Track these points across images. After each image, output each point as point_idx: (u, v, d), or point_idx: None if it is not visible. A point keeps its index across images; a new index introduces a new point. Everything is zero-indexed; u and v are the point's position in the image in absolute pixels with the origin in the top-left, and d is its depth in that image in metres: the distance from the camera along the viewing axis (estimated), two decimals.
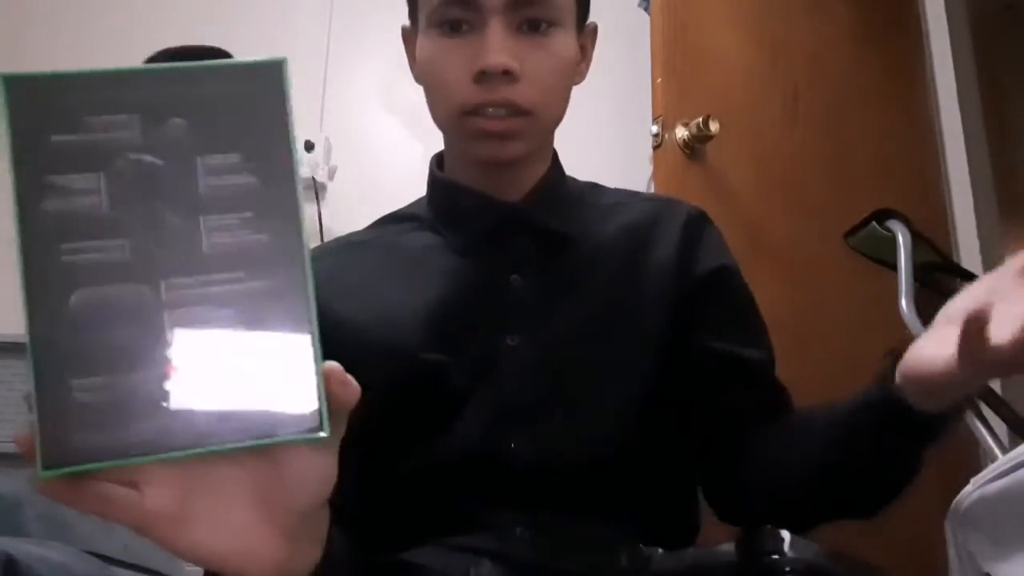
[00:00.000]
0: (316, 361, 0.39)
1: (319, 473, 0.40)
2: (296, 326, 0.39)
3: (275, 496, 0.39)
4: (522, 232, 0.81)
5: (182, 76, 0.39)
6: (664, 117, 1.52)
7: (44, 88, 0.38)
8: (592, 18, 0.85)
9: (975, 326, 0.49)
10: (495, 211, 0.81)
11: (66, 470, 0.36)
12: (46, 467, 0.36)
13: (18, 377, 1.56)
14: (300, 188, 0.39)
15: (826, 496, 0.69)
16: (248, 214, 0.39)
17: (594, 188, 0.91)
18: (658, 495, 0.78)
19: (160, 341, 0.38)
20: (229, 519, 0.39)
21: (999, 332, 0.48)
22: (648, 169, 1.61)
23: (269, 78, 0.40)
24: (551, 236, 0.81)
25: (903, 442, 0.62)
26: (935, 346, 0.54)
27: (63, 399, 0.37)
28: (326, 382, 0.39)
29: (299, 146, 0.40)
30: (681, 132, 1.52)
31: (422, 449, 0.73)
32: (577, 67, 0.82)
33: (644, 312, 0.79)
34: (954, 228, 1.89)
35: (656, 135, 1.53)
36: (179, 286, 0.38)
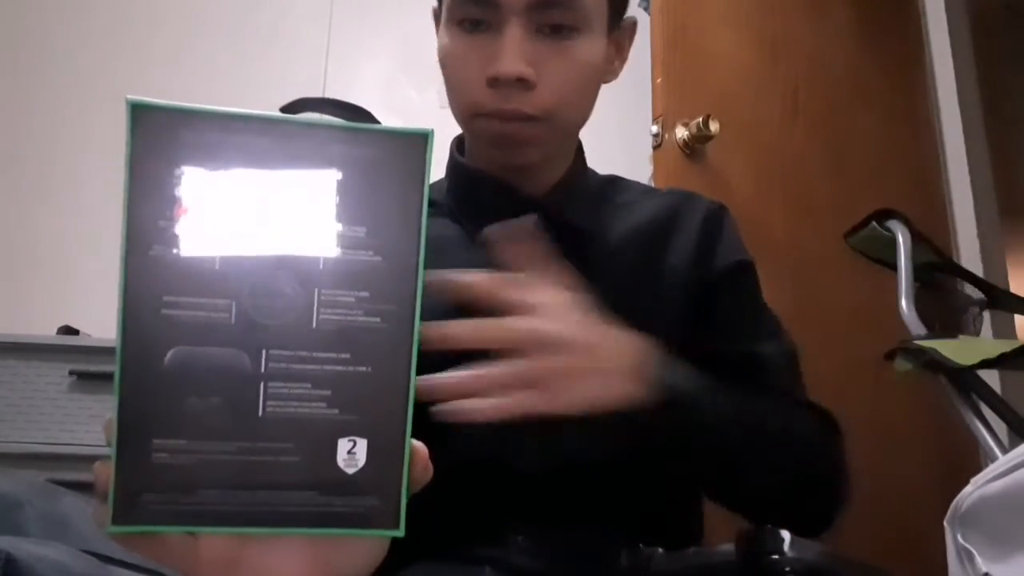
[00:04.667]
0: (406, 457, 0.38)
1: (374, 549, 0.40)
2: (392, 420, 0.37)
3: (326, 559, 0.39)
4: (543, 227, 0.80)
5: (318, 133, 0.36)
6: (664, 117, 1.52)
7: (171, 122, 0.35)
8: None
9: None
10: (518, 204, 0.78)
11: (135, 529, 0.36)
12: (115, 522, 0.35)
13: (18, 377, 1.56)
14: (422, 274, 0.37)
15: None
16: (364, 294, 0.36)
17: (613, 183, 0.89)
18: (662, 496, 0.78)
19: (251, 413, 0.36)
20: (277, 569, 0.39)
21: None
22: (648, 169, 1.61)
23: (411, 150, 0.37)
24: (571, 231, 0.80)
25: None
26: None
27: (143, 457, 0.35)
28: (411, 465, 0.38)
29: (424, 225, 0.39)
30: (681, 132, 1.52)
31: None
32: (608, 66, 0.80)
33: (660, 311, 0.78)
34: (954, 228, 1.89)
35: (656, 135, 1.53)
36: (281, 359, 0.36)
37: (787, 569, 0.58)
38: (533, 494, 0.71)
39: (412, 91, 2.19)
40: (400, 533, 0.38)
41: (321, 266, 0.36)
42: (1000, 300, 1.30)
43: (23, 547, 0.51)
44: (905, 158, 1.86)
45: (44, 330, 1.69)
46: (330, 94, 2.13)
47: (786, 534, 0.59)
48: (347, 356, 0.37)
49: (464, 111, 0.76)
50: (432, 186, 0.87)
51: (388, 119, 2.44)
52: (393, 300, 0.37)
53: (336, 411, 0.37)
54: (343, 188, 0.36)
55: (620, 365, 0.59)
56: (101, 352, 1.56)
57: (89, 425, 1.52)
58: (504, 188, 0.79)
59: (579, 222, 0.81)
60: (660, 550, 0.70)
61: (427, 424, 0.72)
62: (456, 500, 0.72)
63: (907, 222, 1.23)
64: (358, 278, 0.36)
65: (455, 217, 0.82)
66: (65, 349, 1.58)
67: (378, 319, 0.37)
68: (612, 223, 0.82)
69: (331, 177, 0.36)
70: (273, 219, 0.36)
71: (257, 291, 0.36)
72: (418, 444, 0.39)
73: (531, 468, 0.71)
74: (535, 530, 0.70)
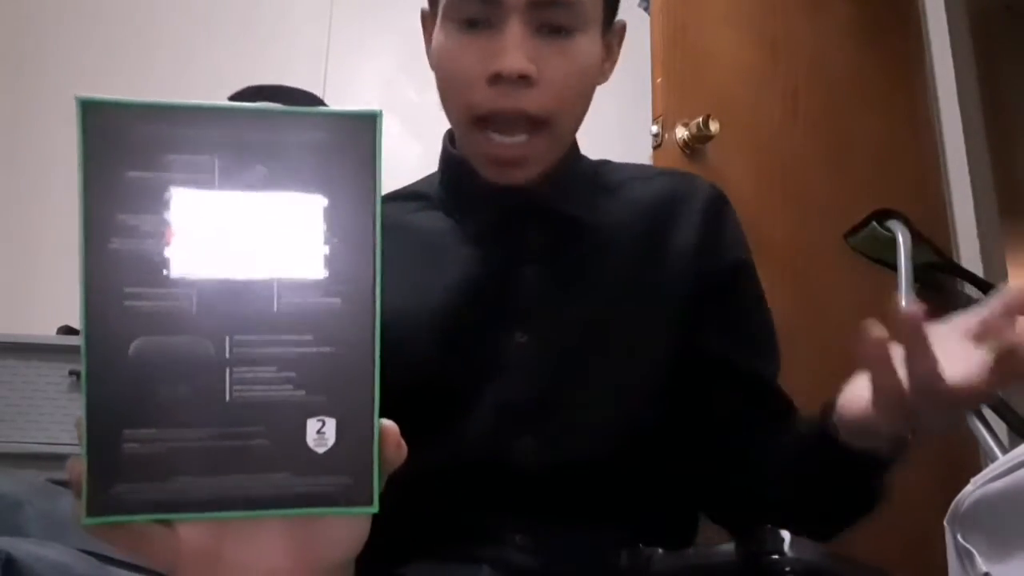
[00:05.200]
0: (376, 433, 0.38)
1: (354, 532, 0.40)
2: (359, 397, 0.38)
3: (307, 550, 0.39)
4: (537, 218, 0.79)
5: (268, 119, 0.37)
6: (664, 117, 1.52)
7: (122, 116, 0.35)
8: None
9: (877, 369, 0.52)
10: (511, 196, 0.78)
11: (109, 519, 0.36)
12: (89, 514, 0.36)
13: (18, 377, 1.56)
14: (380, 253, 0.37)
15: (787, 517, 0.70)
16: (324, 275, 0.37)
17: (605, 165, 0.88)
18: (660, 494, 0.78)
19: (218, 398, 0.36)
20: (258, 563, 0.39)
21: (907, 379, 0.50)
22: None
23: (360, 131, 0.37)
24: (567, 222, 0.79)
25: (840, 477, 0.64)
26: (861, 386, 0.58)
27: (113, 448, 0.36)
28: (382, 444, 0.38)
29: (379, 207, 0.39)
30: (681, 132, 1.52)
31: (425, 453, 0.72)
32: (600, 67, 0.80)
33: (661, 303, 0.77)
34: (954, 228, 1.89)
35: (656, 135, 1.53)
36: (245, 343, 0.36)
37: (787, 569, 0.58)
38: (533, 493, 0.71)
39: (412, 91, 2.19)
40: (374, 510, 0.38)
41: (279, 250, 0.37)
42: None
43: (23, 547, 0.51)
44: (905, 158, 1.86)
45: (44, 330, 1.69)
46: (330, 94, 2.14)
47: (786, 534, 0.59)
48: (310, 337, 0.37)
49: (462, 113, 0.74)
50: (424, 180, 0.88)
51: (387, 119, 2.42)
52: (352, 280, 0.37)
53: (303, 392, 0.37)
54: (297, 172, 0.37)
55: None
56: None
57: None
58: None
59: (573, 211, 0.80)
60: (660, 550, 0.70)
61: (429, 422, 0.73)
62: (456, 499, 0.72)
63: (907, 222, 1.22)
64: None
65: (448, 210, 0.81)
66: (65, 349, 1.58)
67: (338, 300, 0.37)
68: (608, 208, 0.81)
69: (285, 162, 0.37)
70: (229, 206, 0.36)
71: (217, 278, 0.36)
72: (388, 423, 0.39)
73: (531, 467, 0.71)
74: (534, 529, 0.70)
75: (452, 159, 0.83)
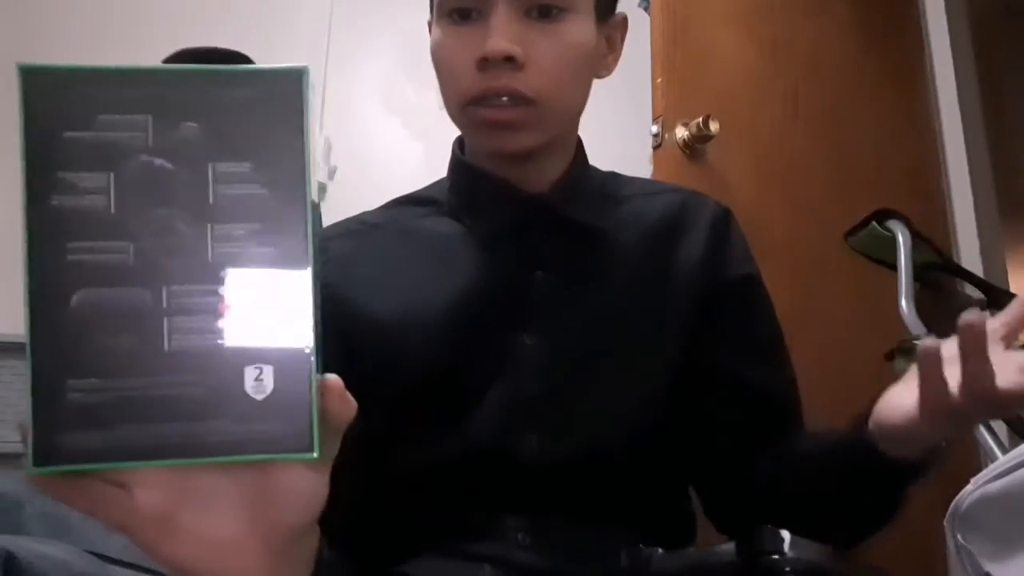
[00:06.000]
0: (313, 380, 0.38)
1: (310, 489, 0.40)
2: (295, 343, 0.38)
3: (264, 511, 0.39)
4: (547, 225, 0.79)
5: (198, 79, 0.38)
6: (664, 117, 1.52)
7: (60, 81, 0.37)
8: None
9: (930, 374, 0.52)
10: (521, 202, 0.79)
11: (54, 468, 0.37)
12: (36, 463, 0.36)
13: (18, 377, 1.56)
14: (310, 202, 0.39)
15: (802, 528, 0.70)
16: (256, 225, 0.38)
17: (614, 178, 0.89)
18: (660, 495, 0.78)
19: (158, 348, 0.37)
20: (215, 530, 0.39)
21: (955, 384, 0.51)
22: (648, 169, 1.61)
23: (288, 87, 0.39)
24: (576, 229, 0.80)
25: (875, 486, 0.64)
26: (902, 395, 0.57)
27: (58, 398, 0.37)
28: (324, 398, 0.39)
29: (314, 157, 0.42)
30: (681, 132, 1.52)
31: (430, 450, 0.73)
32: (602, 59, 0.80)
33: (667, 312, 0.78)
34: (954, 228, 1.89)
35: (656, 135, 1.53)
36: (181, 293, 0.38)
37: (787, 569, 0.58)
38: (535, 490, 0.72)
39: (412, 91, 2.19)
40: (315, 457, 0.38)
41: (211, 202, 0.38)
42: (1000, 300, 1.30)
43: (24, 545, 0.51)
44: (905, 158, 1.86)
45: None
46: (330, 94, 2.14)
47: (786, 534, 0.59)
48: (245, 286, 0.38)
49: (454, 100, 0.76)
50: (433, 185, 0.88)
51: (388, 119, 2.43)
52: (284, 229, 0.39)
53: (240, 341, 0.38)
54: (226, 127, 0.38)
55: None
56: None
57: None
58: (506, 186, 0.79)
59: (583, 219, 0.80)
60: (660, 550, 0.70)
61: (438, 419, 0.73)
62: (459, 494, 0.72)
63: (907, 222, 1.23)
64: (248, 211, 0.38)
65: (456, 215, 0.82)
66: None
67: (272, 249, 0.38)
68: (618, 220, 0.82)
69: (213, 118, 0.38)
70: (162, 162, 0.38)
71: (153, 231, 0.38)
72: (332, 376, 0.39)
73: (534, 463, 0.72)
74: (536, 527, 0.71)
75: (461, 165, 0.83)
